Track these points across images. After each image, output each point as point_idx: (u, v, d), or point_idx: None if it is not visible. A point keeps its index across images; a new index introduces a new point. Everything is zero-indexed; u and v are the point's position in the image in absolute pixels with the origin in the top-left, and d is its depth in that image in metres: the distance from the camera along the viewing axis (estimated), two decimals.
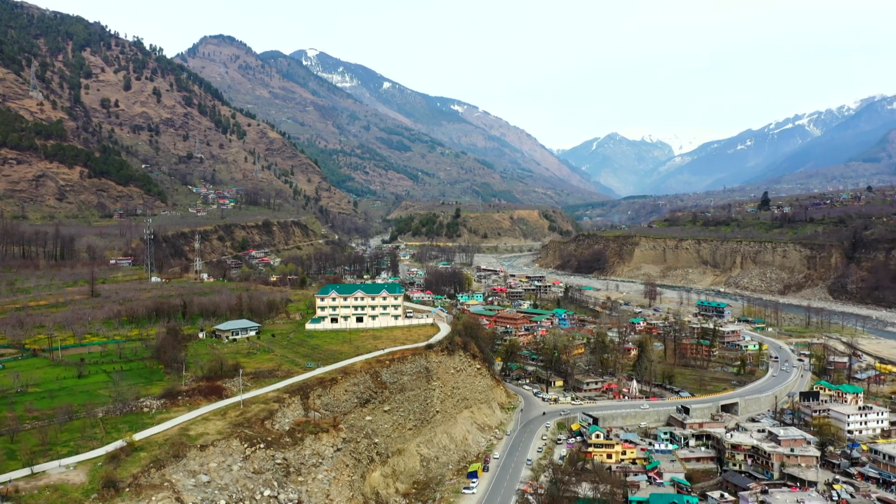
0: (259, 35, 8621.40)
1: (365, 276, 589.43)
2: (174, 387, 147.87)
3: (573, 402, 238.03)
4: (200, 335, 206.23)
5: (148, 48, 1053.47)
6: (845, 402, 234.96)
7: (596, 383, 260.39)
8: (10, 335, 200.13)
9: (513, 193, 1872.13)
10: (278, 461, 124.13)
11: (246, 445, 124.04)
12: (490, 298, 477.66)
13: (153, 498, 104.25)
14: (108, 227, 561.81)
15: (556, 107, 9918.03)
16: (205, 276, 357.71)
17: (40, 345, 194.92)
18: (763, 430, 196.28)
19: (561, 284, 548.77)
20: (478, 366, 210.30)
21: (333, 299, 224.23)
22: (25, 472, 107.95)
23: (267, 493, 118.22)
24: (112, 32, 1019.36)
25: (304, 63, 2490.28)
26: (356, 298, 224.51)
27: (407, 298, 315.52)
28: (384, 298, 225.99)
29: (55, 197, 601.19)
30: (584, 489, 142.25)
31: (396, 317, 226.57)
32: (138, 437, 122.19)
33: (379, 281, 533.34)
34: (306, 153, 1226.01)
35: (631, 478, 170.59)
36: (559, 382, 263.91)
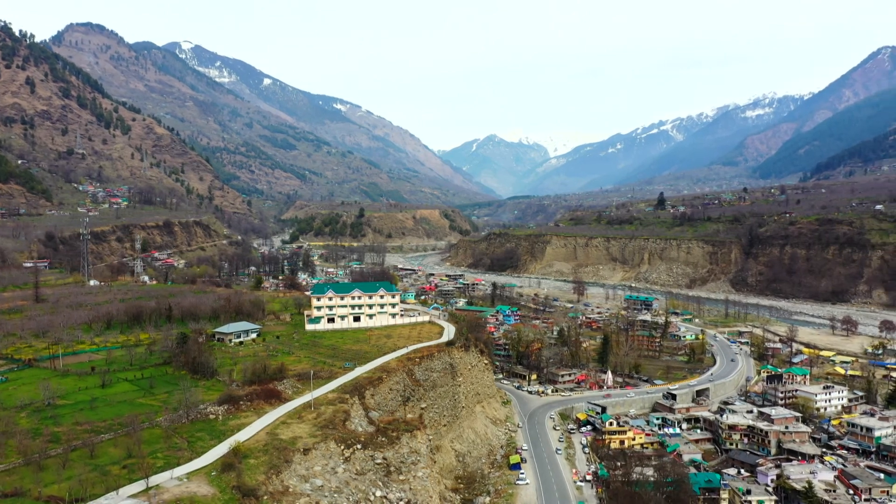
0: (129, 24, 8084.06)
1: (280, 277, 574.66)
2: (232, 392, 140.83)
3: (561, 394, 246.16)
4: (200, 339, 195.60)
5: (18, 34, 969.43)
6: (795, 383, 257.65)
7: (570, 375, 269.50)
8: None
9: (400, 193, 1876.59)
10: (378, 461, 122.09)
11: (343, 447, 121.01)
12: (422, 297, 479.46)
13: None
14: None
15: (435, 107, 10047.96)
16: (145, 278, 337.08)
17: (24, 354, 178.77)
18: (752, 411, 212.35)
19: (483, 282, 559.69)
20: (485, 361, 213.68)
21: (330, 299, 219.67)
22: (139, 486, 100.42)
23: (378, 493, 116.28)
24: None
25: (180, 56, 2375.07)
26: (353, 297, 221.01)
27: None
28: (381, 297, 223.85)
29: None
30: (645, 473, 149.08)
31: (394, 315, 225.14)
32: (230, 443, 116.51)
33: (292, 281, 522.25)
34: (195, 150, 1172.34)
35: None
36: (534, 376, 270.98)
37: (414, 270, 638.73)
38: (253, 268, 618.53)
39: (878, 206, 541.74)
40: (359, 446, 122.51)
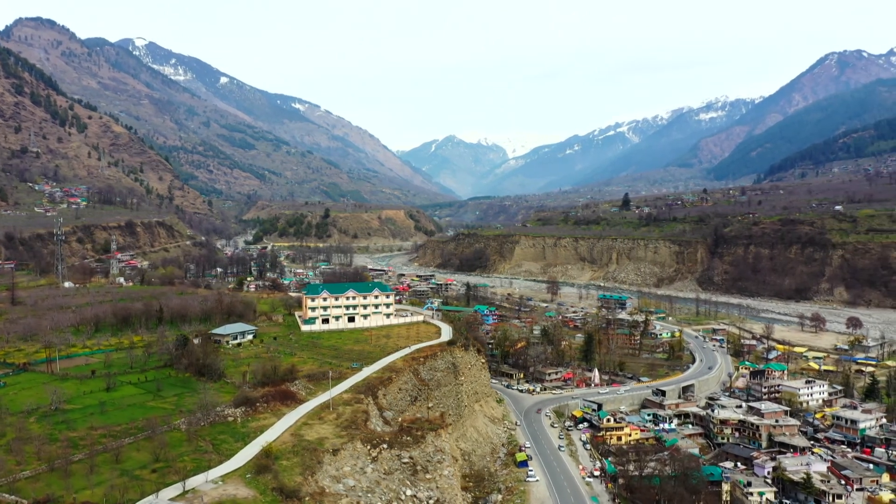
0: (81, 19, 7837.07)
1: (248, 279, 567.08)
2: (247, 394, 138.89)
3: (552, 392, 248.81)
4: (196, 341, 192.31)
5: None
6: (774, 378, 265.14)
7: (556, 374, 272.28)
8: None
9: (361, 193, 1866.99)
10: (405, 460, 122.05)
11: (369, 447, 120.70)
12: (396, 297, 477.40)
13: None
14: None
15: (393, 108, 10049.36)
16: (121, 280, 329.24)
17: (15, 358, 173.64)
18: (741, 406, 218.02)
19: (455, 283, 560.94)
20: (482, 360, 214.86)
21: (325, 299, 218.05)
22: (175, 489, 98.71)
23: (409, 492, 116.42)
24: None
25: (134, 53, 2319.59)
26: (348, 298, 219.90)
27: None
28: (376, 297, 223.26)
29: None
30: (660, 467, 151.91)
31: (388, 315, 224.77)
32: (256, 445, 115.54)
33: (261, 283, 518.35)
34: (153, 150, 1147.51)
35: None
36: (520, 375, 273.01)
37: (384, 271, 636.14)
38: (219, 269, 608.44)
39: (837, 207, 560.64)
40: (385, 446, 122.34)
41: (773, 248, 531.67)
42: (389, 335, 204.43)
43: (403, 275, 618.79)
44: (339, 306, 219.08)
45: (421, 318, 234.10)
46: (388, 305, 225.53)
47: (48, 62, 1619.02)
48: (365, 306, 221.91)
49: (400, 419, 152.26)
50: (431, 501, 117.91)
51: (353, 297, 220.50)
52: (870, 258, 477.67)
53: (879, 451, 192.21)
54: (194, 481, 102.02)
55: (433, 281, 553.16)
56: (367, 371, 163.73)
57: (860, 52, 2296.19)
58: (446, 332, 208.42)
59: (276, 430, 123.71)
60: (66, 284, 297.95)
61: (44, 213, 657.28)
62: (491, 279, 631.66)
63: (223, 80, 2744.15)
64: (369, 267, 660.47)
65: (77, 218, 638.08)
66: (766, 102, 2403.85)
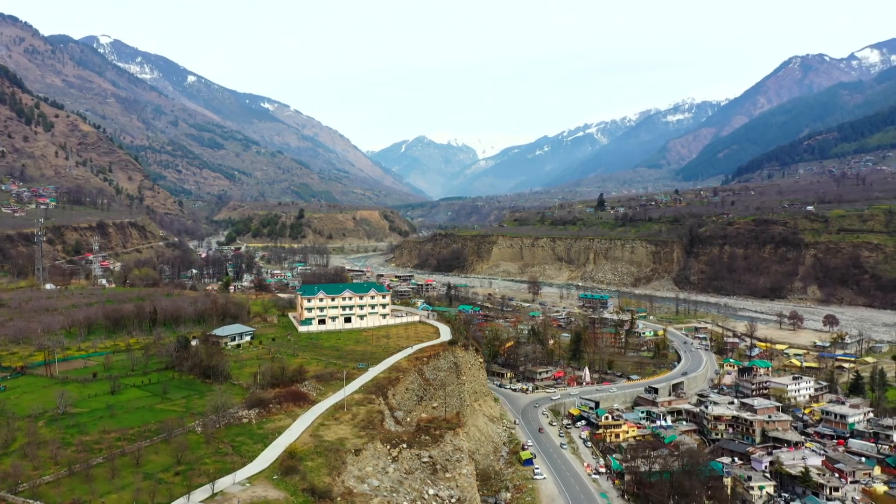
0: (44, 16, 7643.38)
1: (226, 278, 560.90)
2: (259, 395, 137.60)
3: (546, 391, 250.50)
4: (193, 342, 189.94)
5: None
6: (760, 375, 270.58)
7: (546, 373, 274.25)
8: None
9: (332, 194, 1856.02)
10: (424, 460, 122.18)
11: (389, 447, 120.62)
12: None
13: None
14: None
15: (363, 108, 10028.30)
16: (103, 281, 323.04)
17: (9, 361, 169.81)
18: (733, 402, 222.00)
19: (434, 283, 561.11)
20: (480, 360, 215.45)
21: (321, 300, 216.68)
22: (204, 492, 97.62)
23: (431, 491, 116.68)
24: None
25: (99, 50, 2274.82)
26: (344, 298, 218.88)
27: None
28: (372, 298, 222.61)
29: None
30: (666, 463, 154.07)
31: (384, 315, 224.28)
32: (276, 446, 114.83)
33: (246, 284, 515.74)
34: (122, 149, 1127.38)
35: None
36: (511, 374, 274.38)
37: (362, 271, 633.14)
38: (195, 270, 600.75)
39: (809, 207, 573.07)
40: (404, 445, 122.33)
41: (748, 247, 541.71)
42: (389, 335, 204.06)
43: (382, 275, 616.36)
44: (336, 307, 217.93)
45: (417, 318, 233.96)
46: (384, 306, 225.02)
47: (10, 59, 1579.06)
48: (361, 307, 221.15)
49: (409, 419, 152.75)
50: (453, 500, 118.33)
51: (350, 298, 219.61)
52: (841, 257, 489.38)
53: (858, 442, 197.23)
54: (222, 483, 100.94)
55: (413, 281, 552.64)
56: (374, 371, 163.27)
57: (822, 56, 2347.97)
58: (444, 332, 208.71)
59: (294, 432, 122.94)
60: (48, 286, 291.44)
61: (11, 213, 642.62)
62: (469, 279, 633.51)
63: (190, 78, 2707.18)
64: (347, 268, 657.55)
65: (47, 218, 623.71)
66: (732, 105, 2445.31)
